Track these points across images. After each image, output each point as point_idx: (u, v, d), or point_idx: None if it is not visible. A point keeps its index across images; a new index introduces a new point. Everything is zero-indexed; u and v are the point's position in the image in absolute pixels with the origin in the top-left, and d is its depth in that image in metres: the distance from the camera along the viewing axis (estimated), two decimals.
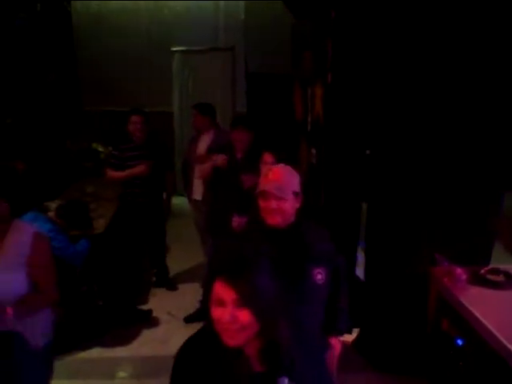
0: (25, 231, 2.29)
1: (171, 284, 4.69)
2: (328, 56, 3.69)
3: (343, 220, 3.69)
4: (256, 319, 1.16)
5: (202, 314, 4.01)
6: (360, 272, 3.82)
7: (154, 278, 4.75)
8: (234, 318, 1.15)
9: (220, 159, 3.82)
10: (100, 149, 6.75)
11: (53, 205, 3.92)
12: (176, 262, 4.95)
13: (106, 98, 7.28)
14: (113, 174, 4.28)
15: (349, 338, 3.66)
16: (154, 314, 4.16)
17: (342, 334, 2.31)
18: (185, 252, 5.17)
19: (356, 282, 3.78)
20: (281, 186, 2.04)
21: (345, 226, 3.69)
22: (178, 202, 5.69)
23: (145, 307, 4.25)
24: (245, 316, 1.15)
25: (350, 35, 3.44)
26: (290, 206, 2.06)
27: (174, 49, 7.21)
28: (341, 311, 2.27)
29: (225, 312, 1.15)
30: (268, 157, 3.28)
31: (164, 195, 4.56)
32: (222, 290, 1.17)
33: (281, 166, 2.21)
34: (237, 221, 3.32)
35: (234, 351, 1.20)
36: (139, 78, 7.27)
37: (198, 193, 4.37)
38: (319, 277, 2.07)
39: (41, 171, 5.50)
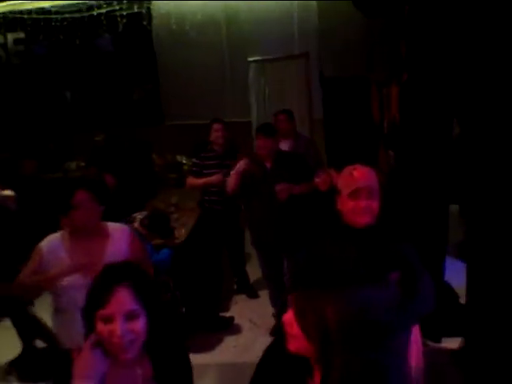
0: (121, 234, 2.45)
1: (252, 291, 4.74)
2: (402, 54, 3.58)
3: (429, 223, 3.52)
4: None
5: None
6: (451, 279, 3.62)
7: (236, 286, 4.83)
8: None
9: (242, 164, 3.81)
10: (183, 161, 7.04)
11: (138, 216, 4.15)
12: (257, 269, 4.99)
13: (188, 111, 7.55)
14: (191, 181, 4.45)
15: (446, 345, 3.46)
16: (236, 321, 4.22)
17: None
18: None
19: (447, 289, 3.60)
20: (370, 184, 2.03)
21: (431, 230, 3.51)
22: None
23: (226, 314, 4.32)
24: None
25: (424, 31, 3.31)
26: (377, 205, 2.05)
27: (250, 59, 7.35)
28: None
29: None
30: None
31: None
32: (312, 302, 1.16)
33: (361, 165, 2.18)
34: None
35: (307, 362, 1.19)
36: (218, 89, 7.50)
37: None
38: (395, 278, 2.03)
39: (129, 184, 5.80)
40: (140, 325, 1.40)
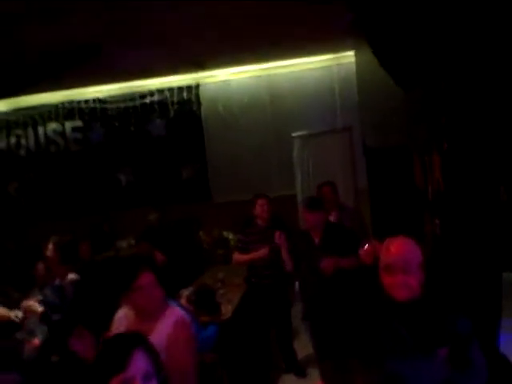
0: (170, 317, 2.43)
1: (300, 369, 4.57)
2: (442, 124, 3.60)
3: (481, 293, 3.35)
4: None
5: None
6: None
7: (284, 364, 4.67)
8: None
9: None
10: (230, 237, 7.12)
11: (185, 292, 4.19)
12: (303, 347, 4.83)
13: (234, 188, 7.76)
14: (237, 257, 4.49)
15: None
16: None
17: None
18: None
19: (503, 362, 3.34)
20: (405, 259, 2.00)
21: (483, 300, 3.33)
22: None
23: None
24: None
25: (462, 102, 3.34)
26: (417, 279, 2.01)
27: (294, 134, 7.58)
28: None
29: None
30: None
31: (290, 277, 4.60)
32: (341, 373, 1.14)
33: (401, 237, 2.15)
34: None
35: None
36: (264, 165, 7.72)
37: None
38: (445, 354, 1.94)
39: (178, 261, 5.90)
40: None
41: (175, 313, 2.49)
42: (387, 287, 2.04)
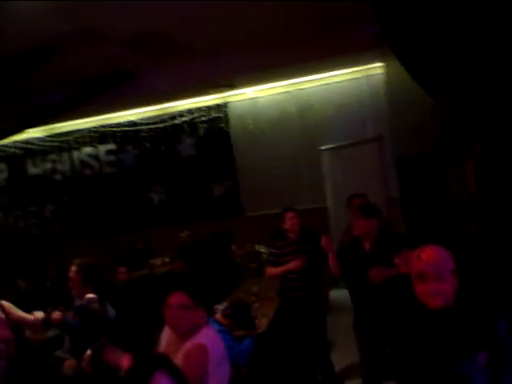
0: (195, 340, 2.43)
1: (338, 381, 4.50)
2: (474, 130, 3.56)
3: None
4: None
5: None
6: None
7: (320, 376, 4.61)
8: None
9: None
10: (262, 250, 7.13)
11: (220, 307, 4.21)
12: (340, 358, 4.76)
13: (265, 201, 7.79)
14: (271, 270, 4.50)
15: None
16: None
17: None
18: (348, 347, 4.95)
19: None
20: (437, 266, 1.99)
21: None
22: (338, 294, 5.60)
23: None
24: None
25: (494, 108, 3.31)
26: (450, 285, 1.99)
27: (324, 147, 7.58)
28: None
29: None
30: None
31: (322, 289, 4.57)
32: None
33: (431, 245, 2.14)
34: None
35: None
36: (293, 178, 7.75)
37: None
38: (482, 360, 1.90)
39: (211, 275, 5.94)
40: None
41: (202, 336, 2.48)
42: (421, 296, 2.03)
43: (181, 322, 2.44)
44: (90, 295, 3.62)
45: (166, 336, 2.59)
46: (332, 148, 7.49)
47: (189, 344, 2.41)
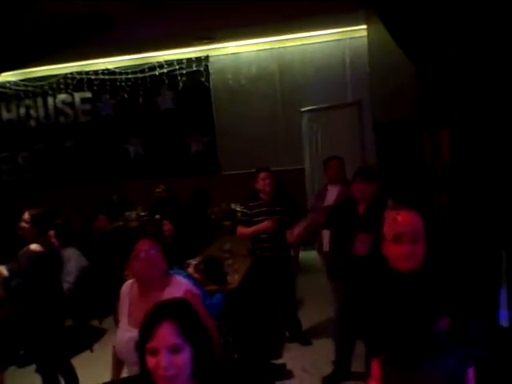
0: (179, 287, 2.41)
1: (305, 338, 4.66)
2: (453, 99, 3.58)
3: (482, 267, 3.38)
4: None
5: (339, 374, 3.92)
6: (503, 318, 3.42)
7: (288, 333, 4.77)
8: None
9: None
10: (238, 209, 7.16)
11: (193, 262, 4.26)
12: (308, 317, 4.92)
13: (243, 161, 7.78)
14: (242, 230, 4.53)
15: None
16: (288, 369, 4.14)
17: None
18: (316, 306, 5.13)
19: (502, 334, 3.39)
20: (413, 228, 2.03)
21: (484, 273, 3.37)
22: (307, 256, 5.72)
23: (279, 362, 4.26)
24: None
25: (474, 74, 3.31)
26: (421, 249, 2.03)
27: (303, 109, 7.55)
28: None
29: None
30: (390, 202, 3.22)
31: (292, 251, 4.65)
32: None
33: (407, 209, 2.18)
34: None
35: None
36: (272, 139, 7.72)
37: (326, 244, 4.38)
38: (445, 324, 1.97)
39: (185, 231, 5.97)
40: (183, 358, 1.47)
41: (182, 283, 2.49)
42: (393, 257, 2.06)
43: (151, 270, 2.38)
44: (34, 246, 3.64)
45: (127, 294, 2.50)
46: (311, 110, 7.47)
47: (166, 294, 2.38)
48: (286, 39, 7.72)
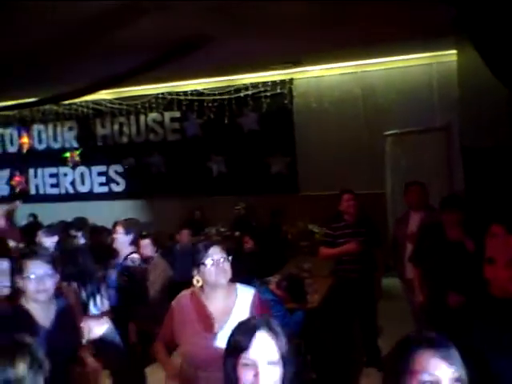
0: (247, 293, 2.51)
1: (383, 365, 4.53)
2: None
3: None
4: None
5: None
6: None
7: (365, 358, 4.67)
8: None
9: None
10: (315, 230, 7.17)
11: (273, 279, 4.32)
12: (388, 343, 4.77)
13: (323, 182, 7.81)
14: (325, 251, 4.56)
15: None
16: None
17: None
18: (397, 333, 4.96)
19: None
20: None
21: None
22: (389, 282, 5.58)
23: None
24: None
25: None
26: None
27: (387, 132, 7.46)
28: None
29: None
30: (497, 228, 3.11)
31: (375, 274, 4.59)
32: None
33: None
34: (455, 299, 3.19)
35: None
36: (353, 161, 7.68)
37: (410, 271, 4.29)
38: None
39: (264, 249, 6.06)
40: (277, 372, 1.49)
41: (248, 290, 2.55)
42: (505, 282, 1.99)
43: (224, 277, 2.44)
44: (134, 255, 3.83)
45: (187, 305, 2.51)
46: (396, 133, 7.36)
47: (238, 300, 2.47)
48: (371, 63, 7.72)
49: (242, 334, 1.51)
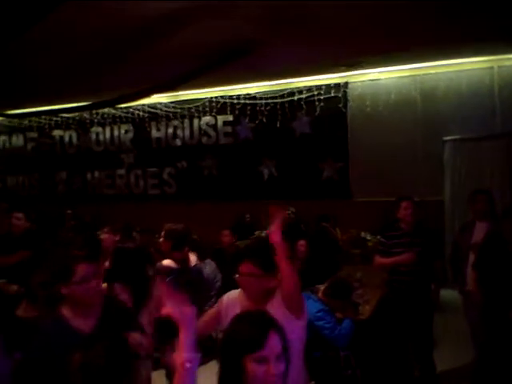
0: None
1: (437, 382, 4.32)
2: None
3: None
4: None
5: None
6: None
7: (418, 373, 4.45)
8: None
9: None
10: (368, 237, 6.98)
11: (321, 287, 4.21)
12: (443, 359, 4.56)
13: (375, 188, 7.60)
14: (380, 260, 4.40)
15: None
16: None
17: None
18: (452, 349, 4.75)
19: None
20: None
21: None
22: (446, 294, 5.33)
23: None
24: None
25: None
26: None
27: (446, 138, 7.18)
28: None
29: None
30: None
31: (432, 286, 4.38)
32: None
33: None
34: None
35: None
36: (409, 167, 7.43)
37: (471, 283, 4.07)
38: None
39: (316, 254, 5.94)
40: (283, 368, 1.53)
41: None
42: None
43: (250, 288, 2.47)
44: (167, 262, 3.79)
45: (237, 302, 2.57)
46: (456, 139, 7.07)
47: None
48: (429, 66, 7.44)
49: (255, 331, 1.53)
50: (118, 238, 4.73)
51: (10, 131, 11.21)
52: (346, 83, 8.00)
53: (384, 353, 4.14)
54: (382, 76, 7.81)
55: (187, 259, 3.97)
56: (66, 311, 2.30)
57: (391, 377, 4.15)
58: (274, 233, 2.46)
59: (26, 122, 10.82)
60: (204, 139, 9.21)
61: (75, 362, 1.75)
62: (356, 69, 7.48)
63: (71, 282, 2.24)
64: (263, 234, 7.61)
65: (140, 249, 4.19)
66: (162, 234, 3.95)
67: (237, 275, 2.49)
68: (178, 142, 9.42)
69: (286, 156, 8.55)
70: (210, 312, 2.67)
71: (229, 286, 2.85)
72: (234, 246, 6.56)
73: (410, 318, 4.25)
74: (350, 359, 3.76)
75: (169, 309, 1.61)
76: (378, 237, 5.72)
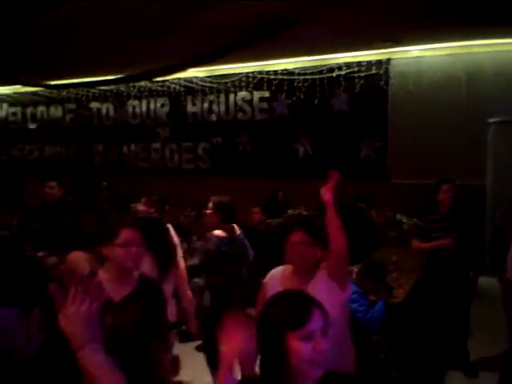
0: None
1: (471, 369, 4.22)
2: None
3: None
4: None
5: None
6: None
7: (452, 360, 4.36)
8: None
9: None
10: (404, 220, 6.80)
11: (355, 268, 4.12)
12: (478, 347, 4.44)
13: (414, 170, 7.39)
14: (418, 244, 4.31)
15: None
16: None
17: None
18: (488, 337, 4.61)
19: None
20: None
21: None
22: (484, 281, 5.17)
23: None
24: None
25: None
26: None
27: (491, 120, 6.88)
28: None
29: None
30: None
31: (471, 273, 4.25)
32: None
33: None
34: None
35: None
36: (450, 149, 7.16)
37: (511, 271, 3.91)
38: None
39: (349, 238, 5.83)
40: (328, 344, 1.46)
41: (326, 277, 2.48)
42: None
43: (302, 260, 2.48)
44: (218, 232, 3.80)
45: (279, 278, 2.58)
46: (501, 121, 6.77)
47: (311, 285, 2.41)
48: (477, 45, 7.10)
49: (297, 307, 1.47)
50: (153, 210, 4.75)
51: (48, 102, 11.40)
52: (388, 60, 7.74)
53: (418, 338, 4.04)
54: (426, 54, 7.52)
55: (234, 229, 3.96)
56: (102, 274, 2.31)
57: (424, 362, 4.06)
58: (326, 191, 2.48)
59: (65, 93, 10.98)
60: (239, 115, 9.13)
61: (107, 322, 1.74)
62: (398, 45, 7.21)
63: (114, 244, 2.25)
64: (296, 213, 7.55)
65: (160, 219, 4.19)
66: (210, 206, 3.94)
67: (287, 247, 2.50)
68: (214, 117, 9.38)
69: (323, 134, 8.38)
70: (259, 300, 2.65)
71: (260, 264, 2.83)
72: (265, 224, 6.52)
73: (447, 305, 4.14)
74: (382, 343, 3.68)
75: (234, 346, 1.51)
76: (414, 219, 5.59)
